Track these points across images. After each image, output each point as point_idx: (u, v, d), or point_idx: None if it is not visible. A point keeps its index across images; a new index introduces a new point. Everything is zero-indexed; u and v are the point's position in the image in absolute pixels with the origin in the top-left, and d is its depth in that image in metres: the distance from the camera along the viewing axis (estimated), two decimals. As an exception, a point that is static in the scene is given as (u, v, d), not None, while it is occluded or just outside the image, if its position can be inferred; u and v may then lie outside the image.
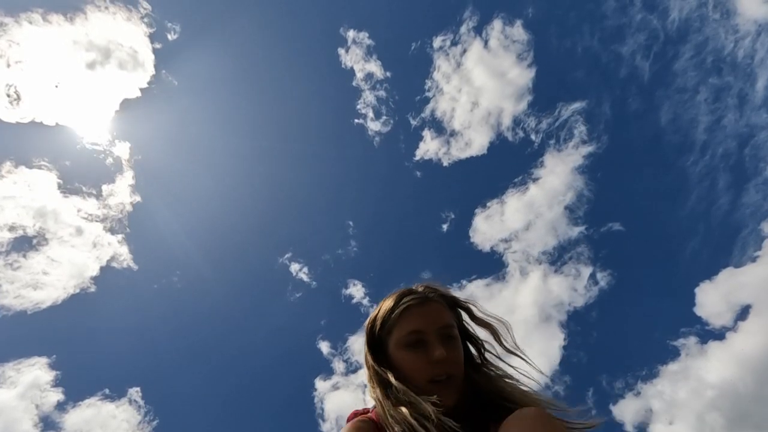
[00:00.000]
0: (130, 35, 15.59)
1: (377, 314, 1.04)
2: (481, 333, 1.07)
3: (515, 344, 1.02)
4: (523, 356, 1.00)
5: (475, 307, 1.06)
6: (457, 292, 1.07)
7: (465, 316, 1.08)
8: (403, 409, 0.85)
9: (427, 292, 1.02)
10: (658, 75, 15.86)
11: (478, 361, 1.05)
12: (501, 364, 1.03)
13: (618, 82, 16.27)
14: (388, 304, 1.03)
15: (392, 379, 0.92)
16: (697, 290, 14.14)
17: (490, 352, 1.04)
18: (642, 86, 16.04)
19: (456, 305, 1.06)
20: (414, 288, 1.05)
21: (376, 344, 1.03)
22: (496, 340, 1.03)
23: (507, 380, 0.99)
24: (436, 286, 1.06)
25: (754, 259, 13.59)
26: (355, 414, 1.04)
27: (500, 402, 0.94)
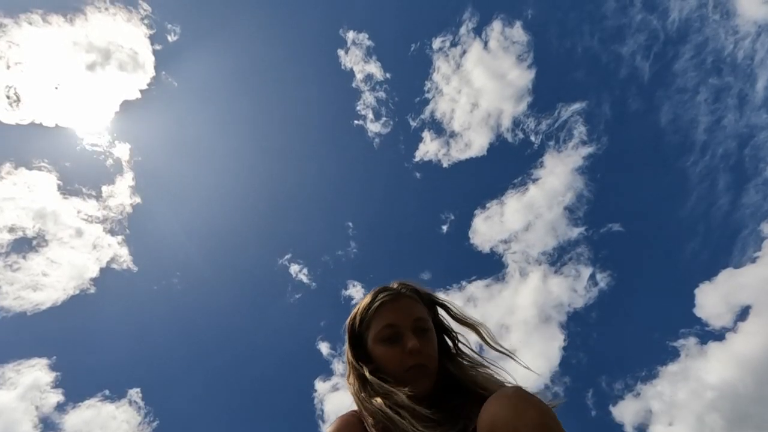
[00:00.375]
0: (130, 36, 15.60)
1: (356, 312, 1.09)
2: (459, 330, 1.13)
3: (498, 343, 1.05)
4: (508, 353, 1.03)
5: (452, 306, 1.10)
6: (434, 292, 1.13)
7: (441, 312, 1.13)
8: (378, 400, 0.90)
9: (400, 288, 1.07)
10: (658, 75, 15.87)
11: (454, 351, 1.09)
12: (475, 356, 1.08)
13: (618, 82, 16.29)
14: (365, 301, 1.08)
15: (367, 373, 0.97)
16: (696, 291, 14.15)
17: (465, 344, 1.09)
18: (642, 86, 16.06)
19: (432, 302, 1.10)
20: (389, 285, 1.09)
21: (356, 341, 1.07)
22: (480, 339, 1.06)
23: (480, 369, 1.04)
24: (410, 283, 1.10)
25: (754, 260, 13.59)
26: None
27: (475, 390, 0.97)
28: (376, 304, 1.04)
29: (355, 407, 1.04)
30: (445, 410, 0.91)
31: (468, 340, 1.10)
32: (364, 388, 0.96)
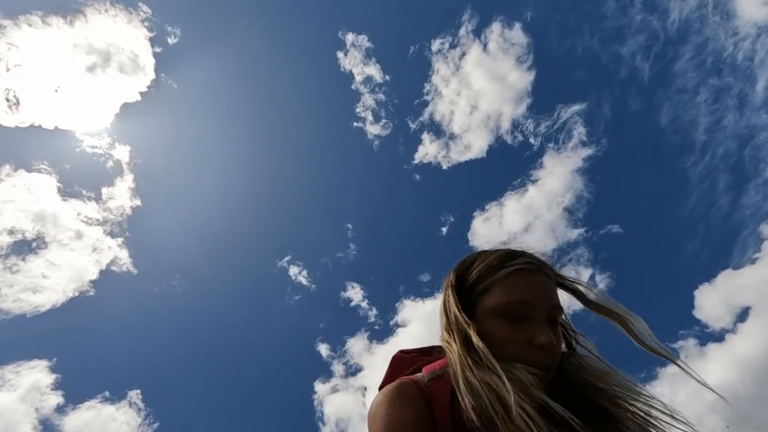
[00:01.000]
0: (131, 39, 15.62)
1: (473, 265, 0.87)
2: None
3: (658, 342, 0.83)
4: (669, 357, 0.83)
5: (590, 290, 0.88)
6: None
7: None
8: (493, 377, 0.69)
9: (540, 263, 0.84)
10: (658, 76, 15.88)
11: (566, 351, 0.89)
12: (593, 356, 0.88)
13: (618, 82, 16.30)
14: (489, 259, 0.85)
15: (475, 338, 0.76)
16: (696, 292, 14.15)
17: (582, 346, 0.90)
18: (642, 87, 16.06)
19: (562, 287, 0.88)
20: (525, 251, 0.86)
21: (462, 296, 0.86)
22: (628, 333, 0.84)
23: (600, 369, 0.84)
24: (546, 260, 0.87)
25: (753, 261, 13.59)
26: (402, 354, 0.94)
27: (586, 394, 0.81)
28: (511, 269, 0.81)
29: (405, 348, 0.91)
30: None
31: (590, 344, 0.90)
32: (468, 353, 0.75)
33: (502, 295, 0.80)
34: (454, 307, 0.83)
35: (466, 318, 0.80)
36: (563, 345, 0.86)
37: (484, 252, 0.89)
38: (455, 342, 0.78)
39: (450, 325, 0.82)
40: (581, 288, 0.88)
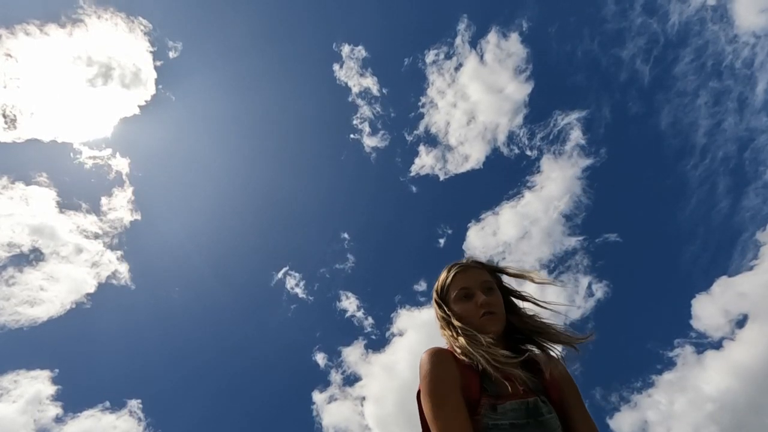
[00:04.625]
0: (131, 51, 15.74)
1: (438, 284, 1.42)
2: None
3: (546, 279, 1.39)
4: (544, 305, 1.35)
5: (507, 267, 1.44)
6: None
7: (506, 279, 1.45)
8: (462, 339, 1.21)
9: (468, 261, 1.42)
10: (659, 79, 15.98)
11: (519, 308, 1.39)
12: (536, 311, 1.37)
13: (618, 86, 16.39)
14: (443, 275, 1.41)
15: (454, 320, 1.29)
16: (693, 301, 14.23)
17: (529, 300, 1.38)
18: (642, 90, 16.18)
19: (495, 271, 1.43)
20: (460, 261, 1.44)
21: (441, 303, 1.38)
22: (528, 280, 1.40)
23: (538, 319, 1.34)
24: (477, 258, 1.46)
25: (751, 268, 13.68)
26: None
27: (534, 336, 1.31)
28: (452, 274, 1.37)
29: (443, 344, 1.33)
30: (515, 350, 1.26)
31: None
32: (454, 331, 1.26)
33: (453, 290, 1.35)
34: (439, 312, 1.37)
35: (447, 313, 1.33)
36: (516, 302, 1.40)
37: (441, 274, 1.43)
38: (447, 330, 1.31)
39: (441, 321, 1.36)
40: (503, 267, 1.44)
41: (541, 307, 1.36)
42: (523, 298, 1.40)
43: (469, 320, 1.27)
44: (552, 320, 1.35)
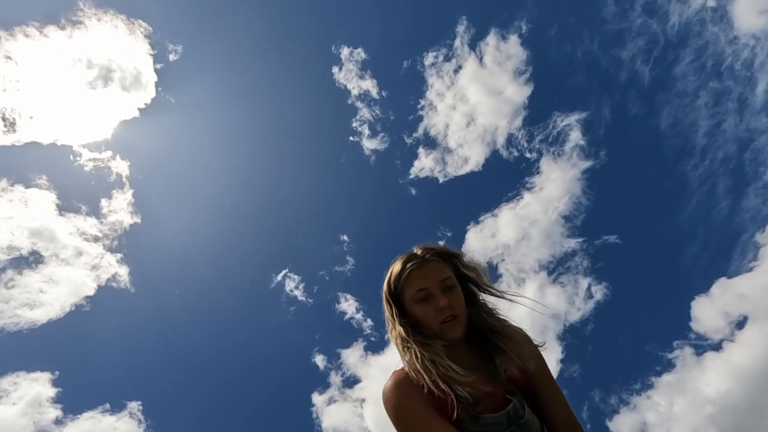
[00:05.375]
0: (131, 54, 15.77)
1: (389, 279, 1.26)
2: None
3: (490, 284, 1.26)
4: (497, 293, 1.24)
5: (463, 255, 1.29)
6: (447, 245, 1.31)
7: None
8: (416, 349, 1.11)
9: (424, 254, 1.23)
10: (659, 79, 15.74)
11: (479, 298, 1.27)
12: (492, 300, 1.26)
13: (618, 86, 16.24)
14: (396, 269, 1.24)
15: (398, 326, 1.18)
16: (693, 302, 14.18)
17: (486, 287, 1.26)
18: (642, 91, 16.01)
19: (450, 256, 1.26)
20: (414, 252, 1.26)
21: (394, 301, 1.24)
22: (479, 281, 1.25)
23: (497, 316, 1.24)
24: (431, 246, 1.27)
25: (750, 269, 13.64)
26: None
27: (493, 334, 1.19)
28: (407, 272, 1.21)
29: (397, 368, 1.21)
30: (474, 347, 1.20)
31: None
32: (404, 341, 1.15)
33: (409, 290, 1.20)
34: (388, 314, 1.24)
35: (394, 317, 1.21)
36: (474, 290, 1.27)
37: (394, 263, 1.27)
38: (397, 336, 1.18)
39: (390, 327, 1.22)
40: (459, 255, 1.27)
41: (504, 298, 1.24)
42: (484, 289, 1.26)
43: (428, 325, 1.16)
44: (510, 319, 1.24)
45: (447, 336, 1.14)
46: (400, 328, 1.17)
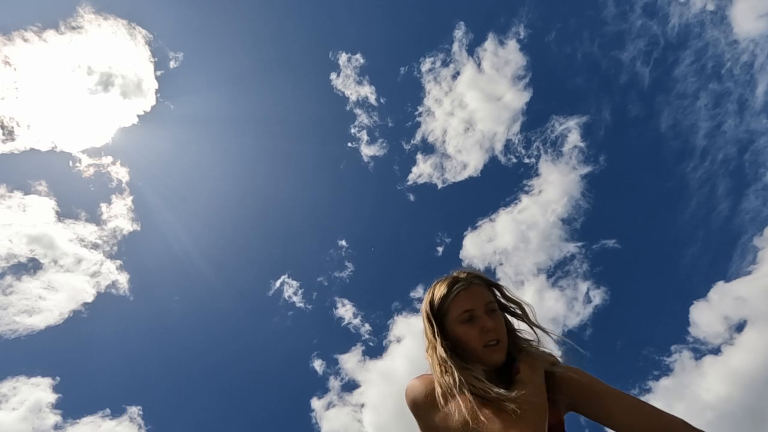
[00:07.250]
0: (132, 60, 15.81)
1: (432, 299, 1.28)
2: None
3: (537, 322, 1.28)
4: (546, 330, 1.26)
5: (504, 287, 1.32)
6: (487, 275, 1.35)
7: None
8: (455, 373, 1.11)
9: (470, 279, 1.26)
10: (659, 81, 15.87)
11: (515, 327, 1.30)
12: (525, 328, 1.28)
13: (618, 88, 16.26)
14: (441, 291, 1.26)
15: (440, 349, 1.18)
16: (692, 306, 14.20)
17: (525, 317, 1.28)
18: (642, 92, 16.06)
19: (490, 285, 1.29)
20: (458, 275, 1.28)
21: (435, 321, 1.26)
22: (524, 316, 1.28)
23: (534, 347, 1.25)
24: (475, 272, 1.30)
25: (749, 272, 13.65)
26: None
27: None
28: (454, 293, 1.23)
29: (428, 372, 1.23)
30: (507, 375, 1.18)
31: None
32: (443, 363, 1.16)
33: (454, 310, 1.21)
34: (429, 334, 1.25)
35: (435, 336, 1.21)
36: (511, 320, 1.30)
37: (439, 282, 1.30)
38: (434, 355, 1.19)
39: (428, 347, 1.24)
40: (501, 286, 1.31)
41: (534, 329, 1.26)
42: (520, 318, 1.28)
43: (471, 347, 1.17)
44: (547, 347, 1.25)
45: (488, 360, 1.16)
46: (441, 350, 1.18)
